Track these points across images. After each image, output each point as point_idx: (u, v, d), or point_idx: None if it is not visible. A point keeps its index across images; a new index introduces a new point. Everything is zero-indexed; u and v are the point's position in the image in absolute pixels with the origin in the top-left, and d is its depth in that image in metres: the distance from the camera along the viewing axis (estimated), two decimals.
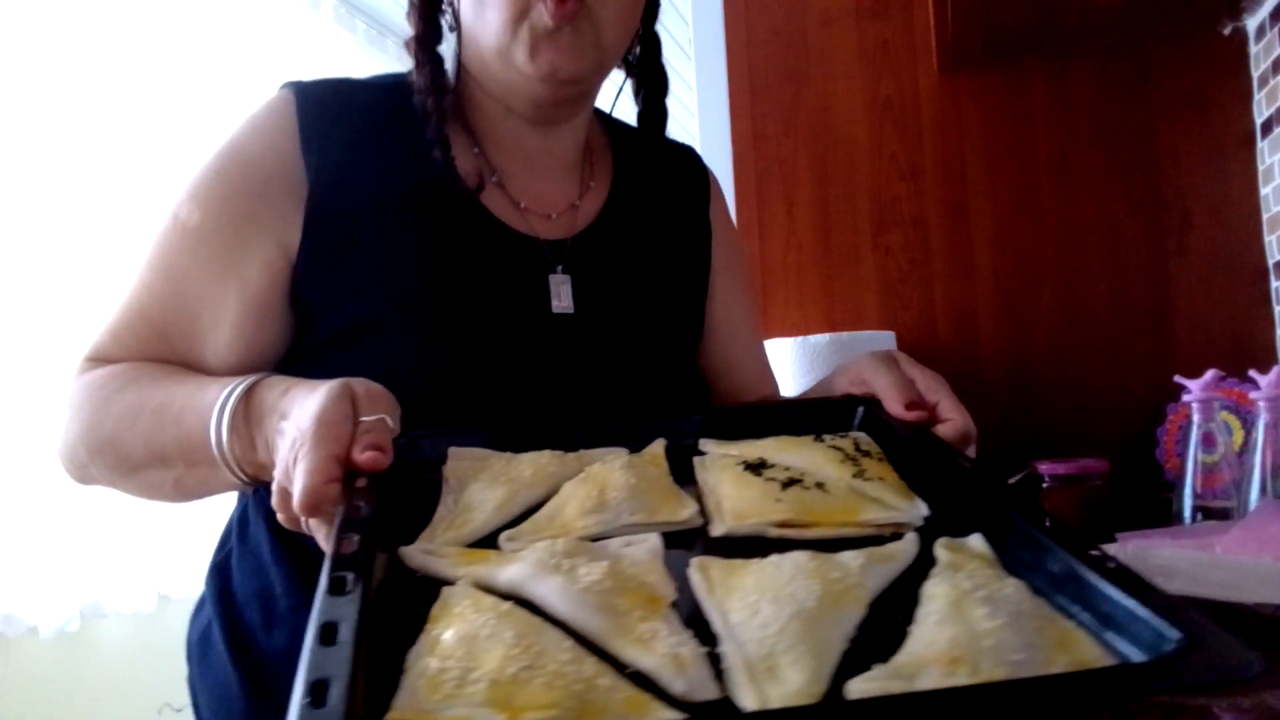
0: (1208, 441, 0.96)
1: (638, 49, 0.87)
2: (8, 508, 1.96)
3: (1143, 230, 1.44)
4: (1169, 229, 1.43)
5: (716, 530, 0.53)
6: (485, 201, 0.77)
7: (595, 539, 0.51)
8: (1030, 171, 1.49)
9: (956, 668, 0.37)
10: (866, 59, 1.58)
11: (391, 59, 3.30)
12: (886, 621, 0.42)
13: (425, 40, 0.77)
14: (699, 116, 1.73)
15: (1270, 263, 1.37)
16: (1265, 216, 1.38)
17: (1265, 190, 1.37)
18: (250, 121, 0.75)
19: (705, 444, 0.65)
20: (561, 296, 0.77)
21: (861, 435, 0.66)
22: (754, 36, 1.64)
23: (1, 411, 1.97)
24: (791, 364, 1.42)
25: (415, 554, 0.48)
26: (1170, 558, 0.70)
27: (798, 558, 0.46)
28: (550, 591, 0.43)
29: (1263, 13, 1.33)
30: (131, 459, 0.66)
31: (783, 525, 0.52)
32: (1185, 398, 0.99)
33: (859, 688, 0.36)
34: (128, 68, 2.29)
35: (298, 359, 0.74)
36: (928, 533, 0.51)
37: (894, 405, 0.66)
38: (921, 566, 0.47)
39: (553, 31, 0.70)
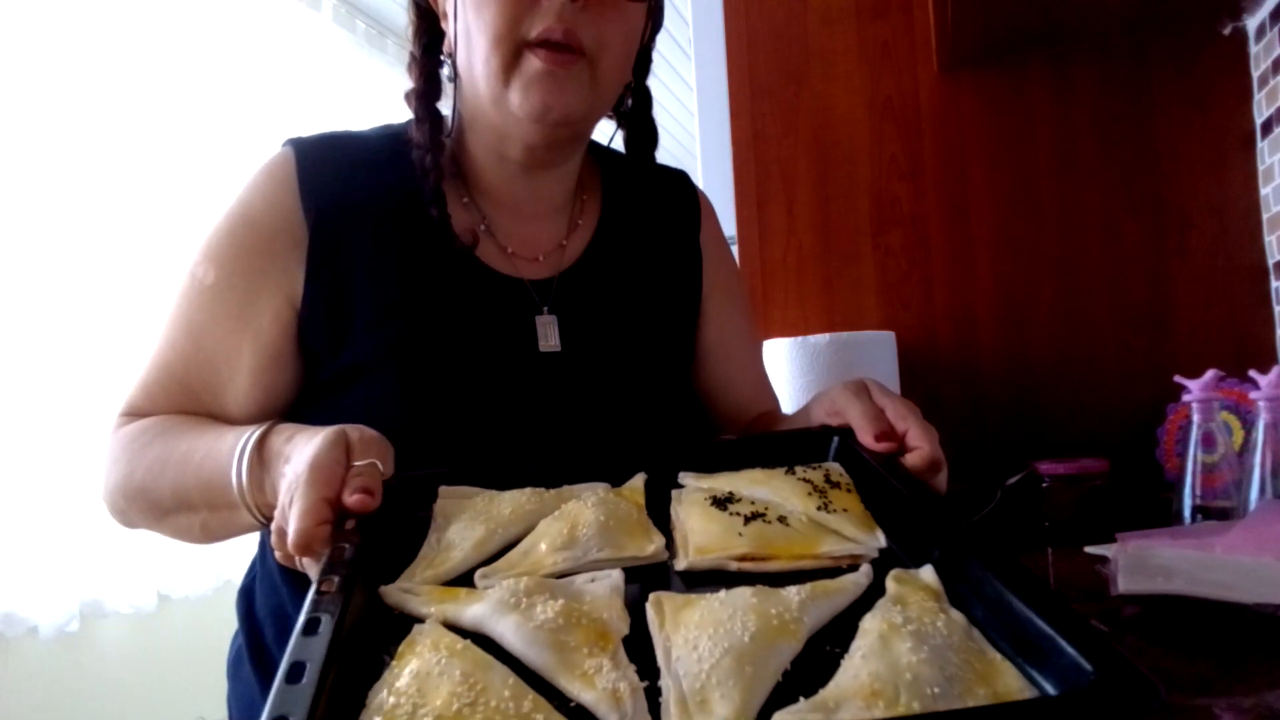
0: (1208, 441, 0.96)
1: (629, 101, 0.88)
2: (8, 507, 1.96)
3: (1143, 230, 1.44)
4: (1169, 229, 1.43)
5: (679, 564, 0.55)
6: (475, 251, 0.80)
7: (563, 575, 0.53)
8: (1030, 171, 1.49)
9: (875, 700, 0.39)
10: (866, 59, 1.58)
11: (391, 59, 3.30)
12: (822, 655, 0.44)
13: (425, 95, 0.80)
14: (699, 116, 1.73)
15: (1270, 263, 1.37)
16: (1265, 216, 1.38)
17: (1265, 190, 1.37)
18: (253, 180, 0.79)
19: (684, 477, 0.66)
20: (548, 336, 0.80)
21: (834, 466, 0.67)
22: (754, 36, 1.64)
23: (2, 412, 1.97)
24: (791, 364, 1.42)
25: (394, 592, 0.50)
26: (1170, 558, 0.70)
27: (742, 593, 0.47)
28: (507, 629, 0.45)
29: (1263, 13, 1.33)
30: (161, 505, 0.72)
31: (743, 559, 0.54)
32: (1185, 398, 0.99)
33: (782, 719, 0.38)
34: (127, 68, 2.29)
35: (301, 403, 0.78)
36: (886, 564, 0.52)
37: (865, 436, 0.67)
38: (872, 598, 0.48)
39: (547, 73, 0.71)
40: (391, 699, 0.40)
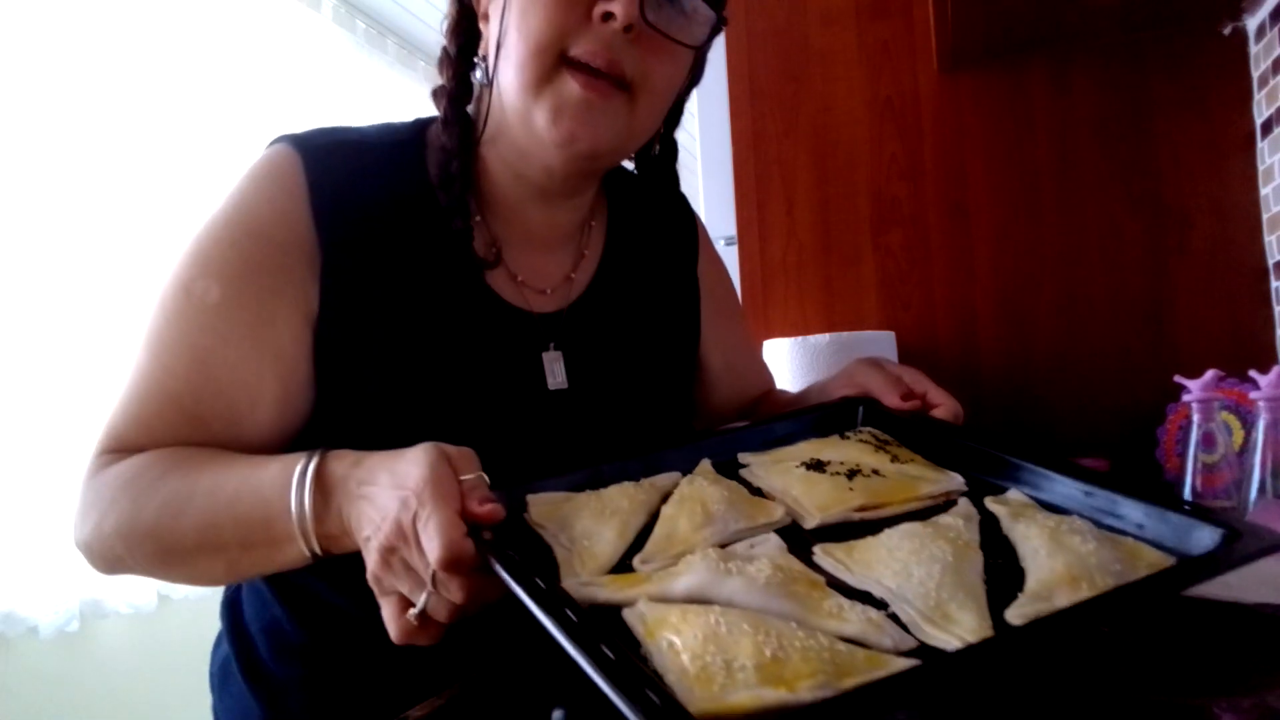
0: (1208, 441, 0.96)
1: (657, 148, 0.87)
2: (8, 507, 1.96)
3: (1143, 230, 1.44)
4: (1169, 229, 1.43)
5: (810, 524, 0.59)
6: (486, 275, 0.76)
7: (718, 547, 0.55)
8: (1030, 171, 1.49)
9: (1078, 585, 0.46)
10: (866, 59, 1.58)
11: (391, 59, 3.30)
12: (992, 564, 0.52)
13: (455, 97, 0.75)
14: (699, 116, 1.73)
15: (1270, 263, 1.37)
16: (1265, 216, 1.38)
17: (1265, 190, 1.37)
18: (255, 185, 0.71)
19: (743, 457, 0.70)
20: (556, 374, 0.77)
21: (870, 429, 0.74)
22: (754, 36, 1.64)
23: (2, 412, 1.97)
24: (792, 364, 1.42)
25: (576, 588, 0.51)
26: None
27: (911, 527, 0.54)
28: (736, 590, 0.48)
29: (1263, 13, 1.33)
30: (178, 548, 0.64)
31: (860, 509, 0.59)
32: (1185, 398, 0.99)
33: (1017, 613, 0.46)
34: (127, 68, 2.29)
35: (308, 430, 0.72)
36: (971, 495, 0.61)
37: (891, 399, 0.74)
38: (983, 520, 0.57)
39: (581, 102, 0.67)
40: (692, 661, 0.40)
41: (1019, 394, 1.48)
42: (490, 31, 0.71)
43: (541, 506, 0.60)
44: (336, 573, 0.65)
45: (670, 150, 0.89)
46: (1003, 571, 0.51)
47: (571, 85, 0.66)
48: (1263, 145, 1.37)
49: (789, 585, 0.48)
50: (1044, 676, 0.46)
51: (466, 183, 0.74)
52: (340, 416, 0.70)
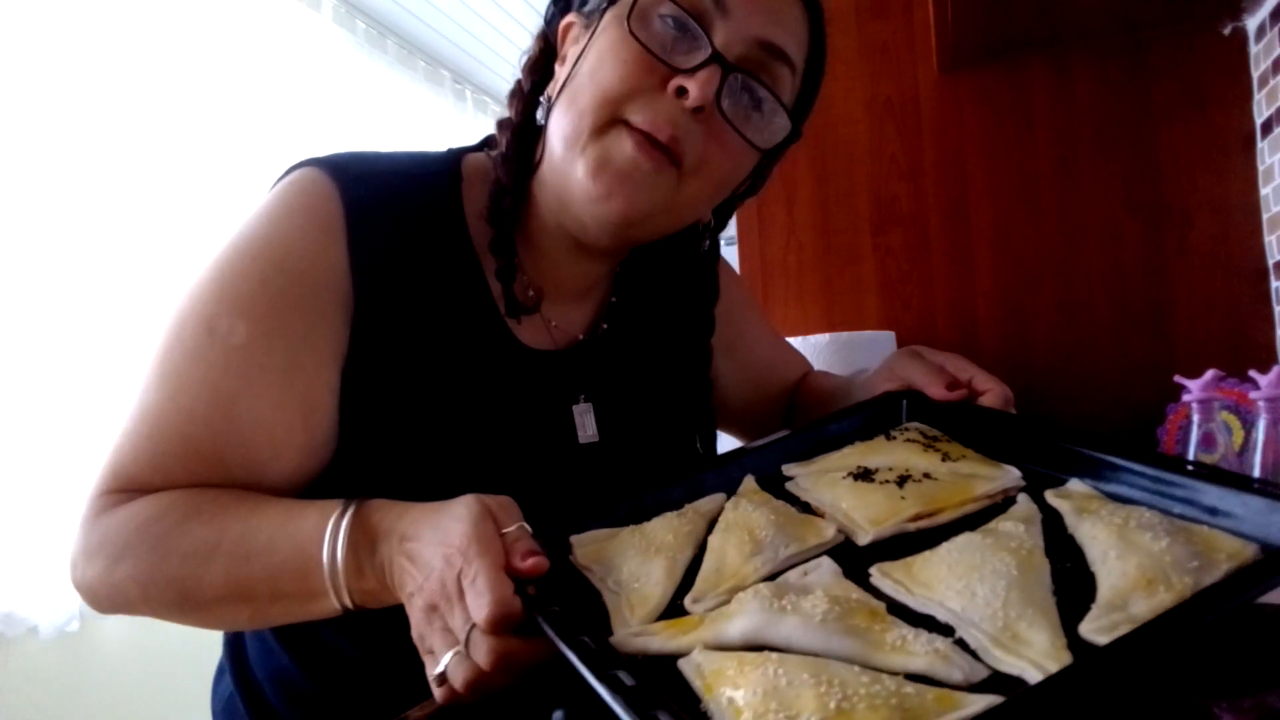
0: (1208, 441, 0.96)
1: (706, 243, 0.86)
2: (8, 508, 1.96)
3: (1143, 230, 1.44)
4: (1169, 229, 1.43)
5: (863, 540, 0.56)
6: (523, 322, 0.73)
7: (769, 578, 0.53)
8: (1030, 171, 1.49)
9: (1155, 588, 0.44)
10: (866, 59, 1.58)
11: (391, 59, 3.30)
12: (1060, 569, 0.49)
13: (520, 131, 0.72)
14: None
15: (1270, 263, 1.37)
16: (1265, 216, 1.38)
17: (1265, 190, 1.37)
18: (288, 215, 0.67)
19: (788, 468, 0.67)
20: (586, 426, 0.75)
21: (917, 425, 0.71)
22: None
23: (2, 412, 1.97)
24: None
25: (628, 640, 0.49)
26: None
27: (970, 539, 0.51)
28: (792, 630, 0.45)
29: (1263, 13, 1.33)
30: (201, 597, 0.61)
31: (915, 519, 0.56)
32: (1185, 398, 0.99)
33: (1093, 628, 0.43)
34: (126, 67, 2.29)
35: (327, 477, 0.68)
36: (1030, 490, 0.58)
37: (936, 390, 0.71)
38: (1046, 518, 0.54)
39: (629, 162, 0.64)
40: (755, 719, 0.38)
41: (1019, 394, 1.47)
42: (561, 74, 0.69)
43: (586, 547, 0.58)
44: (345, 621, 0.62)
45: (713, 250, 0.88)
46: (1072, 576, 0.48)
47: (625, 144, 0.64)
48: (1263, 145, 1.37)
49: (847, 620, 0.46)
50: (1126, 693, 0.42)
51: (515, 220, 0.71)
52: (364, 463, 0.67)
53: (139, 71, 2.32)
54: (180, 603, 0.62)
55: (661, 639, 0.48)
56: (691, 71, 0.63)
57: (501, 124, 0.73)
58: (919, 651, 0.43)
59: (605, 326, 0.80)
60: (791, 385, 1.01)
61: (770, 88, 0.68)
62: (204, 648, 0.85)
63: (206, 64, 2.51)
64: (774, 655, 0.43)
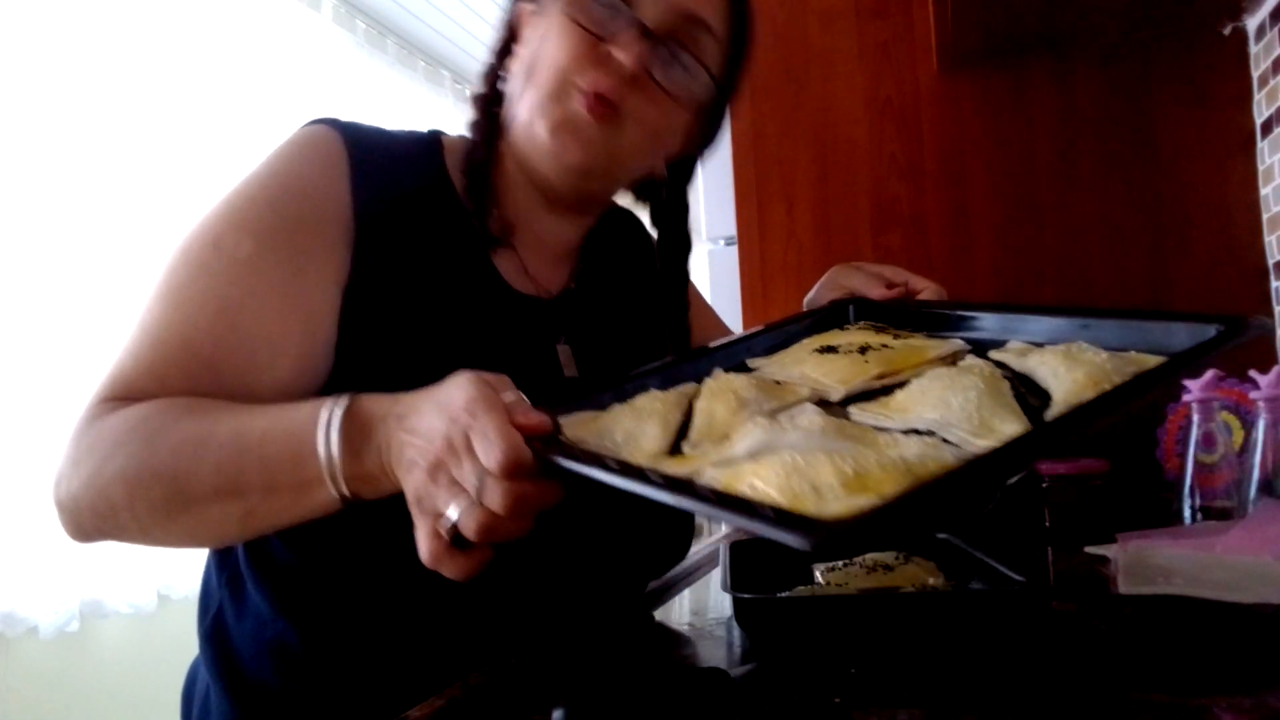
0: (1208, 441, 0.96)
1: (664, 194, 0.91)
2: (8, 507, 1.96)
3: (1143, 230, 1.44)
4: (1169, 229, 1.43)
5: (835, 396, 0.62)
6: (500, 266, 0.79)
7: None
8: (1030, 171, 1.49)
9: (1102, 386, 0.52)
10: (866, 59, 1.58)
11: (391, 59, 3.30)
12: (1017, 394, 0.57)
13: (487, 100, 0.82)
14: None
15: (1270, 263, 1.37)
16: (1265, 216, 1.38)
17: (1265, 190, 1.37)
18: (297, 152, 0.73)
19: (752, 362, 0.74)
20: (568, 367, 0.80)
21: (867, 321, 0.80)
22: (754, 36, 1.63)
23: (2, 413, 1.97)
24: None
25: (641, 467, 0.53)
26: (1170, 558, 0.70)
27: (936, 372, 0.60)
28: (797, 441, 0.50)
29: (1263, 13, 1.33)
30: (192, 493, 0.61)
31: (879, 378, 0.63)
32: (1185, 398, 0.99)
33: (1054, 414, 0.52)
34: (127, 68, 2.29)
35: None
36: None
37: (877, 292, 0.82)
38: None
39: (580, 119, 0.74)
40: (784, 493, 0.43)
41: None
42: (520, 52, 0.81)
43: (575, 426, 0.60)
44: (342, 578, 0.64)
45: (681, 205, 0.92)
46: (1028, 399, 0.56)
47: (576, 105, 0.74)
48: (1263, 145, 1.37)
49: (843, 431, 0.51)
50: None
51: (487, 169, 0.79)
52: (356, 388, 0.68)
53: (139, 71, 2.32)
54: (168, 503, 0.61)
55: (673, 467, 0.51)
56: (620, 42, 0.74)
57: (474, 97, 0.84)
58: (911, 444, 0.48)
59: (573, 285, 0.87)
60: None
61: (691, 51, 0.79)
62: None
63: (207, 64, 2.51)
64: (786, 451, 0.47)
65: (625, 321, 0.90)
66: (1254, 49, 1.38)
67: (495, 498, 0.51)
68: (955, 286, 1.51)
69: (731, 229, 1.64)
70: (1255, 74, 1.38)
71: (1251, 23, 1.38)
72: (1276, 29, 1.29)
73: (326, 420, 0.58)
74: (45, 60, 2.10)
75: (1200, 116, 1.42)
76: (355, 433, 0.58)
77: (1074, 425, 0.48)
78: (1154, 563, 0.69)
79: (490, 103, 0.82)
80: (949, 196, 1.53)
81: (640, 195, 0.93)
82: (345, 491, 0.59)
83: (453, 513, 0.52)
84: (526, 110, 0.76)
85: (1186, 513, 0.97)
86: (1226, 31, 1.40)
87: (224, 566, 0.76)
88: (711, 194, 1.72)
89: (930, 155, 1.54)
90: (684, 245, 0.93)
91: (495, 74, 0.84)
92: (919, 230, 1.54)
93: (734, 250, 1.63)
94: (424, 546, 0.54)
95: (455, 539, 0.53)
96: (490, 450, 0.50)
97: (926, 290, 0.82)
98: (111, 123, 2.24)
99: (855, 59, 1.58)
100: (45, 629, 2.03)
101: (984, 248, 1.51)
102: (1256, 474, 0.87)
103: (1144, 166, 1.44)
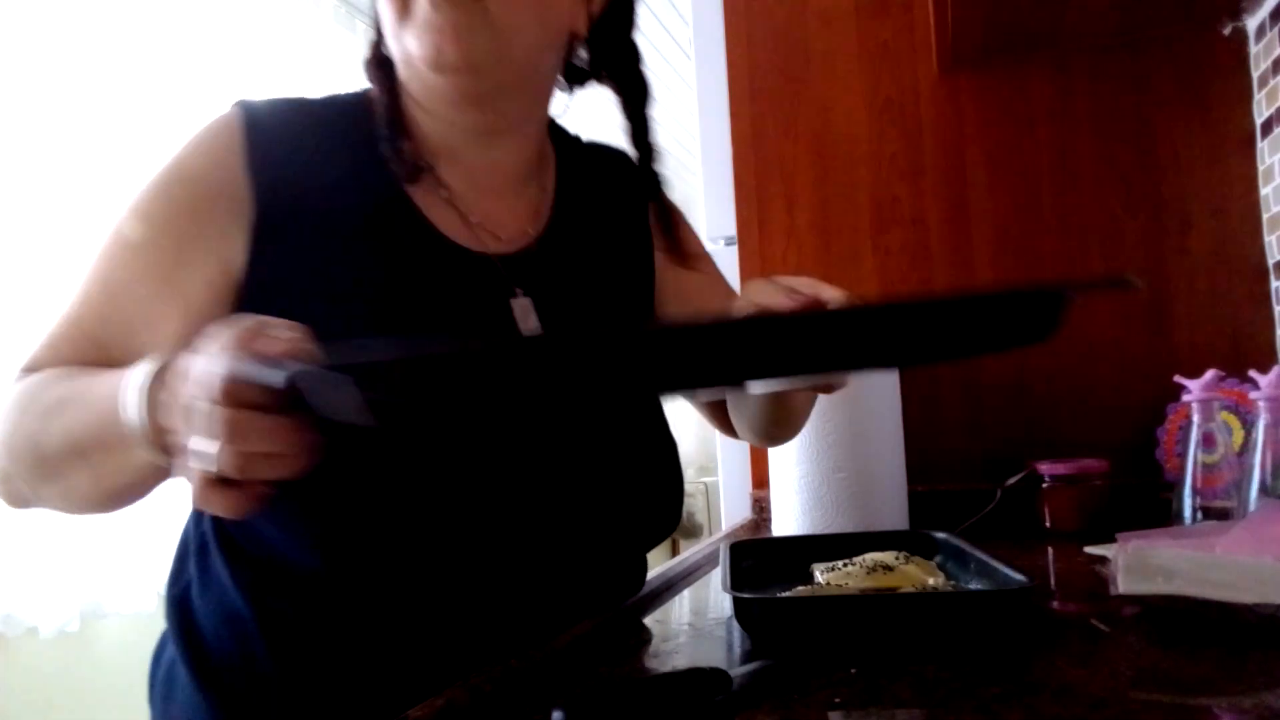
0: (1208, 441, 0.96)
1: (583, 52, 0.85)
2: (8, 508, 1.96)
3: (1143, 230, 1.44)
4: (1169, 229, 1.43)
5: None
6: (436, 220, 0.76)
7: None
8: (1030, 171, 1.49)
9: None
10: (866, 59, 1.58)
11: None
12: None
13: (377, 44, 0.81)
14: (699, 116, 1.72)
15: (1270, 263, 1.37)
16: (1265, 216, 1.38)
17: (1265, 190, 1.37)
18: (195, 138, 0.74)
19: None
20: (527, 319, 0.76)
21: None
22: (754, 36, 1.63)
23: None
24: None
25: None
26: (1170, 558, 0.70)
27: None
28: None
29: (1263, 13, 1.33)
30: (51, 456, 0.63)
31: None
32: (1185, 398, 0.99)
33: None
34: (126, 67, 2.29)
35: None
36: None
37: (785, 304, 0.74)
38: None
39: (434, 18, 0.69)
40: None
41: (1019, 394, 1.48)
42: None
43: None
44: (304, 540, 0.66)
45: (629, 53, 0.87)
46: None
47: (422, 5, 0.69)
48: (1263, 145, 1.37)
49: None
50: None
51: (396, 101, 0.77)
52: None
53: (139, 71, 2.32)
54: (35, 464, 0.65)
55: None
56: None
57: (363, 64, 0.82)
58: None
59: (529, 228, 0.82)
60: None
61: None
62: None
63: (206, 64, 2.51)
64: None
65: (603, 268, 0.86)
66: (1254, 49, 1.38)
67: (219, 428, 0.48)
68: (955, 286, 1.51)
69: (731, 229, 1.64)
70: (1255, 74, 1.38)
71: (1251, 23, 1.38)
72: (1276, 29, 1.29)
73: (133, 378, 0.57)
74: (45, 60, 2.10)
75: (1200, 116, 1.42)
76: (162, 388, 0.55)
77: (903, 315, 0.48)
78: (1154, 563, 0.69)
79: (379, 45, 0.80)
80: (949, 196, 1.53)
81: (579, 77, 0.87)
82: (156, 446, 0.56)
83: (201, 447, 0.49)
84: (394, 44, 0.74)
85: (1186, 513, 0.97)
86: (1226, 31, 1.40)
87: (198, 532, 0.78)
88: (711, 194, 1.72)
89: (930, 155, 1.54)
90: (642, 91, 0.89)
91: (377, 35, 0.81)
92: (919, 230, 1.54)
93: (734, 250, 1.63)
94: (193, 489, 0.51)
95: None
96: (210, 380, 0.48)
97: (834, 298, 0.75)
98: (111, 122, 2.24)
99: (855, 59, 1.58)
100: (45, 629, 2.03)
101: (984, 248, 1.51)
102: (1256, 474, 0.87)
103: (1144, 166, 1.44)
